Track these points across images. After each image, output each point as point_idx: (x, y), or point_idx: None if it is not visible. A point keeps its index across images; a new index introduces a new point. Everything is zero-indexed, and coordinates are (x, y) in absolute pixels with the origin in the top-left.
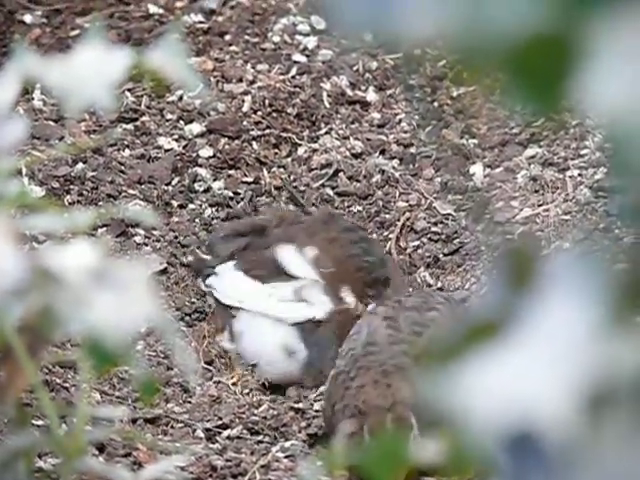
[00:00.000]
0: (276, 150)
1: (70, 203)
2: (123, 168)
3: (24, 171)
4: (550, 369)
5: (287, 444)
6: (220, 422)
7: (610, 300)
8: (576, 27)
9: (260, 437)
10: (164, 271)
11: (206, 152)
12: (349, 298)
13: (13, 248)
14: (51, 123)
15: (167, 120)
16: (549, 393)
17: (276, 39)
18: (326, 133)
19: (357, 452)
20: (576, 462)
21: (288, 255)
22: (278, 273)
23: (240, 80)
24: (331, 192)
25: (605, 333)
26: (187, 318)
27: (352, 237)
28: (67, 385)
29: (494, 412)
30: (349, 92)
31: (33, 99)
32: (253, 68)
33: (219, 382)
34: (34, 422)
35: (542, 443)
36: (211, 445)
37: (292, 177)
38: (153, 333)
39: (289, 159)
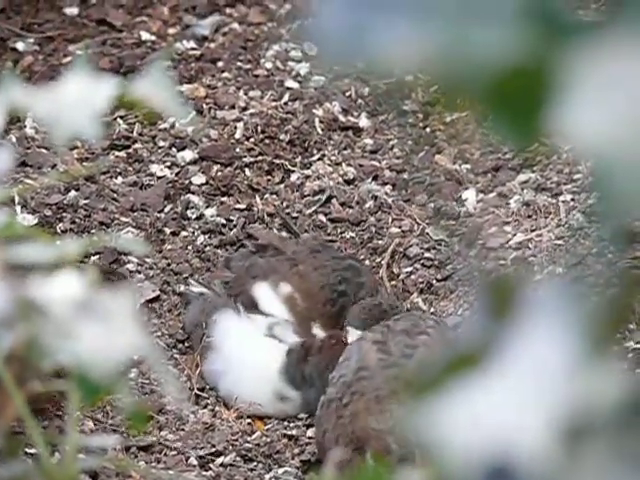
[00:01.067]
0: (269, 177)
1: (63, 231)
2: (116, 196)
3: (17, 199)
4: (529, 400)
5: (280, 471)
6: (213, 449)
7: (591, 331)
8: (552, 58)
9: (253, 464)
10: (157, 298)
11: (199, 179)
12: (320, 333)
13: (1, 279)
14: (43, 151)
15: (159, 147)
16: (528, 424)
17: (268, 65)
18: (319, 159)
19: None
20: None
21: (262, 292)
22: (256, 307)
23: (232, 107)
24: (324, 218)
25: (585, 364)
26: (180, 345)
27: (336, 266)
28: (61, 413)
29: (473, 442)
30: (341, 118)
31: (25, 127)
32: (245, 95)
33: (213, 410)
34: (27, 450)
35: (520, 474)
36: (204, 473)
37: (285, 204)
38: (145, 361)
39: (282, 185)
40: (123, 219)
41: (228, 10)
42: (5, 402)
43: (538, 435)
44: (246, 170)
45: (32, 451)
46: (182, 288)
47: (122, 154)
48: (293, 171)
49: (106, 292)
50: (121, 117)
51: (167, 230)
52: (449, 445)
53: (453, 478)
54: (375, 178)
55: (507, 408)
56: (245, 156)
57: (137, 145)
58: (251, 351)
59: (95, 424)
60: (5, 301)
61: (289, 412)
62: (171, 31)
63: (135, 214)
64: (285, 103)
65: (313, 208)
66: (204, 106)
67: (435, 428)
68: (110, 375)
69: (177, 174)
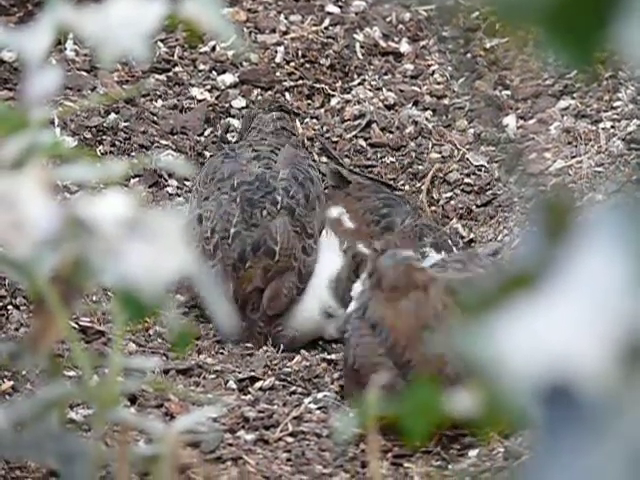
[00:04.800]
0: (309, 101)
1: (102, 153)
2: (155, 119)
3: (56, 121)
4: (586, 321)
5: (319, 395)
6: (252, 373)
7: None
8: None
9: (292, 389)
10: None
11: (239, 103)
12: (366, 251)
13: (46, 198)
14: (83, 73)
15: (200, 71)
16: (585, 345)
17: None
18: (359, 84)
19: (391, 404)
20: (613, 415)
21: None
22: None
23: (273, 31)
24: (364, 143)
25: None
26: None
27: (379, 195)
28: (101, 335)
29: (529, 364)
30: (382, 43)
31: (65, 49)
32: (286, 19)
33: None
34: (65, 373)
35: (578, 395)
36: (243, 397)
37: (325, 128)
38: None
39: (322, 110)
40: (163, 142)
41: None
42: (49, 323)
43: (596, 355)
44: (286, 94)
45: (70, 373)
46: None
47: (162, 77)
48: (333, 95)
49: (153, 213)
50: (161, 40)
51: (207, 153)
52: (506, 365)
53: (510, 399)
54: (415, 103)
55: (565, 328)
56: (285, 80)
57: (177, 68)
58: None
59: (137, 347)
60: (53, 220)
61: (332, 333)
62: None
63: (175, 137)
64: (326, 28)
65: (353, 133)
66: (244, 30)
67: (491, 348)
68: (156, 296)
69: (217, 97)
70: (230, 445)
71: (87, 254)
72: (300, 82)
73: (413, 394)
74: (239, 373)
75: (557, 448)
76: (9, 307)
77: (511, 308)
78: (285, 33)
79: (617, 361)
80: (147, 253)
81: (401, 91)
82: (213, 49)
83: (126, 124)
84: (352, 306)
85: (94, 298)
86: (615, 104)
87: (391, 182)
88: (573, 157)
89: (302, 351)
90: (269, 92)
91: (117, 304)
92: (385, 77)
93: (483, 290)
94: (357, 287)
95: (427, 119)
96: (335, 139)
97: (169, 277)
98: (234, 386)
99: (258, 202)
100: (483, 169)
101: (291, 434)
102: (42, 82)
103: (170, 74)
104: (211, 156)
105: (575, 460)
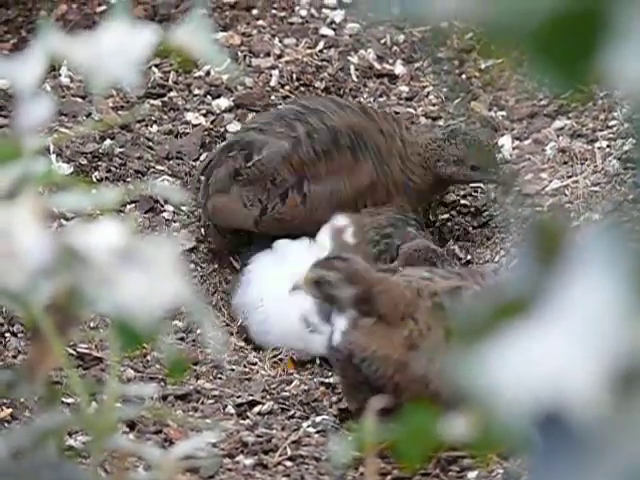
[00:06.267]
0: None
1: (98, 180)
2: (151, 144)
3: (52, 148)
4: (580, 347)
5: (318, 419)
6: (251, 398)
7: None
8: (605, 2)
9: (291, 412)
10: (193, 248)
11: (234, 127)
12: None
13: (40, 227)
14: (78, 99)
15: (195, 95)
16: (579, 371)
17: (303, 13)
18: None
19: (388, 430)
20: (606, 441)
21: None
22: None
23: (267, 54)
24: None
25: (636, 310)
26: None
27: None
28: (99, 362)
29: (523, 390)
30: (377, 65)
31: (60, 75)
32: (280, 42)
33: (251, 361)
34: (63, 400)
35: (571, 421)
36: (242, 421)
37: None
38: (184, 311)
39: None
40: (159, 167)
41: None
42: (45, 351)
43: (589, 382)
44: None
45: (68, 400)
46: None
47: (157, 102)
48: None
49: (147, 240)
50: (156, 65)
51: (203, 178)
52: (500, 391)
53: (504, 424)
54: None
55: (558, 355)
56: (280, 103)
57: (172, 93)
58: (282, 282)
59: (134, 373)
60: (46, 249)
61: (317, 348)
62: None
63: (171, 162)
64: (320, 50)
65: None
66: (239, 54)
67: (485, 374)
68: (151, 323)
69: (212, 122)
70: (229, 470)
71: (81, 283)
72: None
73: (409, 418)
74: (237, 398)
75: (551, 473)
76: (6, 334)
77: (504, 334)
78: (279, 56)
79: (610, 387)
80: (141, 281)
81: (396, 113)
82: (207, 73)
83: (121, 150)
84: (336, 340)
85: (92, 325)
86: (610, 123)
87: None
88: (569, 177)
89: (300, 375)
90: None
91: (113, 332)
92: (380, 99)
93: (475, 316)
94: (340, 321)
95: None
96: None
97: (163, 304)
98: (232, 411)
99: None
100: (479, 190)
101: (290, 458)
102: (35, 110)
103: (165, 99)
104: None
105: None
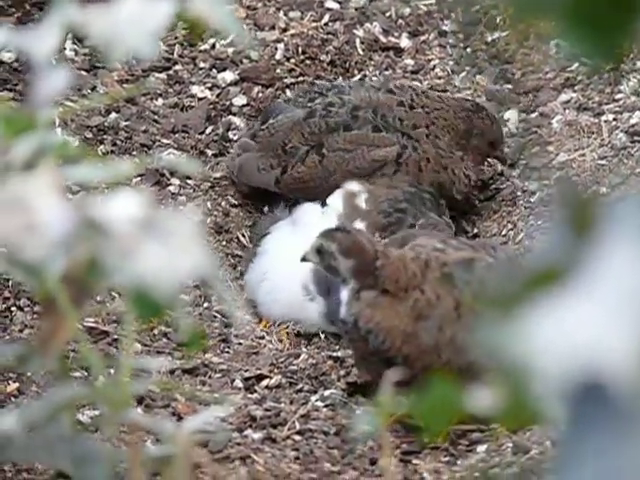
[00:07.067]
0: None
1: (104, 153)
2: (156, 117)
3: (57, 122)
4: (617, 317)
5: (326, 393)
6: (259, 372)
7: None
8: None
9: (299, 386)
10: (199, 222)
11: (240, 100)
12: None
13: (59, 200)
14: (83, 73)
15: (200, 69)
16: (616, 342)
17: None
18: (360, 80)
19: (409, 402)
20: None
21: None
22: None
23: (273, 28)
24: None
25: None
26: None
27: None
28: (106, 335)
29: (561, 360)
30: (382, 38)
31: (65, 49)
32: (285, 15)
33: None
34: (71, 374)
35: (608, 393)
36: (250, 395)
37: None
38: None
39: None
40: (164, 141)
41: None
42: (59, 324)
43: (626, 352)
44: (287, 91)
45: (76, 374)
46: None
47: (163, 76)
48: None
49: (167, 211)
50: (161, 39)
51: (209, 152)
52: (537, 361)
53: (536, 394)
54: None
55: (595, 325)
56: (286, 77)
57: (178, 67)
58: (293, 252)
59: (142, 347)
60: (66, 222)
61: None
62: None
63: (176, 136)
64: (325, 24)
65: None
66: (244, 27)
67: (519, 343)
68: (170, 295)
69: (218, 95)
70: (238, 444)
71: (100, 254)
72: (301, 79)
73: (431, 392)
74: (245, 372)
75: (586, 446)
76: (13, 308)
77: (539, 304)
78: (285, 30)
79: None
80: (161, 253)
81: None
82: (213, 47)
83: (127, 123)
84: (342, 312)
85: (98, 298)
86: (617, 96)
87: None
88: (576, 150)
89: (308, 348)
90: (270, 89)
91: (129, 304)
92: (386, 72)
93: (509, 285)
94: (344, 292)
95: None
96: None
97: (183, 276)
98: (240, 385)
99: None
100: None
101: (299, 432)
102: (51, 82)
103: (170, 72)
104: None
105: (604, 459)
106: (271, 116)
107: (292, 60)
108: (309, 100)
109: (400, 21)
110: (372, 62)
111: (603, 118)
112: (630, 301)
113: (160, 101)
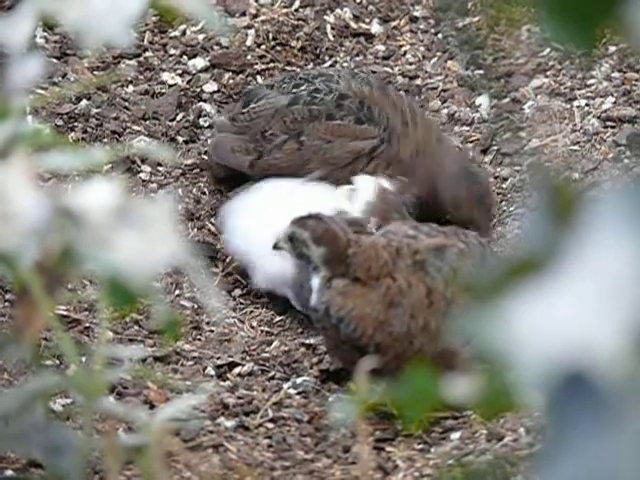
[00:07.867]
0: None
1: (75, 140)
2: (127, 104)
3: (27, 109)
4: (600, 306)
5: (299, 380)
6: (230, 359)
7: None
8: None
9: (271, 374)
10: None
11: (210, 87)
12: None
13: (34, 189)
14: (54, 60)
15: (170, 55)
16: (600, 331)
17: None
18: (330, 66)
19: (382, 389)
20: (628, 401)
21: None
22: None
23: (243, 14)
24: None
25: None
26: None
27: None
28: (77, 324)
29: (544, 349)
30: (353, 24)
31: (35, 36)
32: (256, 2)
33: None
34: (43, 362)
35: (593, 381)
36: (222, 383)
37: None
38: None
39: None
40: (135, 128)
41: None
42: (33, 312)
43: (612, 341)
44: (258, 77)
45: (48, 363)
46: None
47: (133, 62)
48: None
49: (142, 199)
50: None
51: (180, 138)
52: (521, 350)
53: (518, 383)
54: (388, 84)
55: (579, 314)
56: (257, 63)
57: (148, 53)
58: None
59: (114, 334)
60: (42, 211)
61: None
62: None
63: (147, 123)
64: (296, 10)
65: None
66: (215, 13)
67: (505, 332)
68: (145, 283)
69: (189, 82)
70: (210, 432)
71: (74, 243)
72: (271, 65)
73: (410, 380)
74: (217, 359)
75: (570, 435)
76: None
77: (522, 293)
78: (255, 16)
79: (631, 346)
80: (135, 241)
81: (373, 72)
82: (183, 33)
83: (98, 110)
84: (314, 300)
85: (70, 286)
86: (589, 82)
87: None
88: (548, 136)
89: (280, 336)
90: (240, 76)
91: (102, 292)
92: (357, 58)
93: (491, 273)
94: (316, 280)
95: None
96: None
97: (158, 264)
98: (212, 372)
99: None
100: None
101: (271, 420)
102: (24, 70)
103: (141, 59)
104: None
105: (589, 448)
106: (253, 100)
107: (263, 46)
108: (294, 86)
109: (371, 7)
110: (343, 48)
111: (575, 103)
112: (611, 289)
113: (131, 88)
